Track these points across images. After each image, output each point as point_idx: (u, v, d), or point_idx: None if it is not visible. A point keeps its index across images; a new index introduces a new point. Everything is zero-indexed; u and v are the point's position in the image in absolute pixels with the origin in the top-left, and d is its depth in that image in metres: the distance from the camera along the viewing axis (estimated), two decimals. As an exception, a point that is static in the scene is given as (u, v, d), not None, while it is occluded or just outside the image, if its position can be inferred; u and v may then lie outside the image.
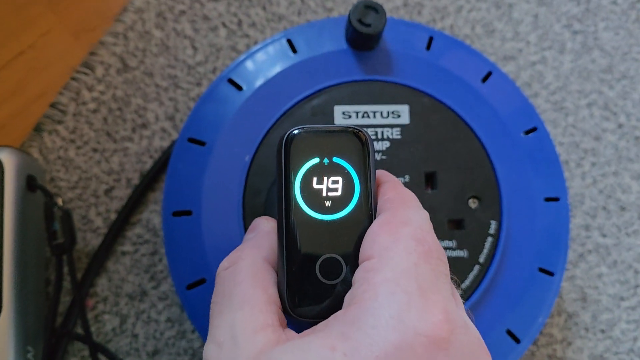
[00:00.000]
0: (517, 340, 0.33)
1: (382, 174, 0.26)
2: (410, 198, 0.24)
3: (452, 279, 0.22)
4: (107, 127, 0.41)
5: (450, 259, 0.32)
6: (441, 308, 0.19)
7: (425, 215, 0.23)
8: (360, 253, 0.22)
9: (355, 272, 0.21)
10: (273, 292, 0.23)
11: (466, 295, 0.32)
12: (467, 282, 0.32)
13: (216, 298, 0.23)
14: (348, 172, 0.23)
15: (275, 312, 0.22)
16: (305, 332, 0.21)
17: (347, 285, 0.22)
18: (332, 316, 0.20)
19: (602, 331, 0.40)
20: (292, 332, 0.21)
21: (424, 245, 0.21)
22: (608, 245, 0.42)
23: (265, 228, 0.26)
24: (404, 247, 0.21)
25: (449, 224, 0.32)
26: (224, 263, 0.24)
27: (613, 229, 0.42)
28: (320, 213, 0.23)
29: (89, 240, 0.39)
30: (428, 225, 0.22)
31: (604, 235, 0.42)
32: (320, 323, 0.21)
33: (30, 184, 0.36)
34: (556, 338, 0.40)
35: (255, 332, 0.21)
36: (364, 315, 0.19)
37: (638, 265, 0.41)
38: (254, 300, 0.22)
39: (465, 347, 0.19)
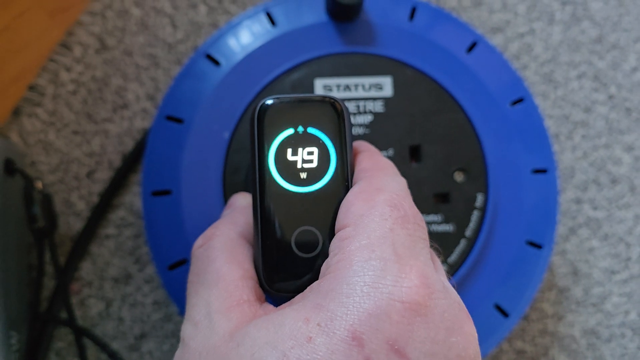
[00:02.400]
0: (506, 315, 0.32)
1: (359, 144, 0.25)
2: (386, 166, 0.23)
3: (431, 246, 0.21)
4: (87, 109, 0.40)
5: (436, 233, 0.31)
6: (418, 273, 0.19)
7: (402, 181, 0.23)
8: (335, 223, 0.21)
9: (331, 243, 0.21)
10: (249, 267, 0.22)
11: (453, 270, 0.31)
12: (453, 257, 0.31)
13: (192, 277, 0.23)
14: (323, 142, 0.23)
15: (251, 287, 0.22)
16: (282, 305, 0.20)
17: (325, 258, 0.21)
18: (308, 288, 0.20)
19: (594, 305, 0.40)
20: (270, 307, 0.21)
21: (399, 211, 0.20)
22: (599, 218, 0.41)
23: (241, 203, 0.26)
24: (379, 214, 0.20)
25: (435, 198, 0.32)
26: (199, 241, 0.24)
27: (604, 202, 0.41)
28: (296, 185, 0.22)
29: (72, 224, 0.38)
30: (405, 192, 0.22)
31: (595, 209, 0.41)
32: (297, 296, 0.20)
33: (8, 167, 0.36)
34: (547, 313, 0.40)
35: (229, 308, 0.20)
36: (339, 285, 0.18)
37: (629, 238, 0.41)
38: (229, 276, 0.22)
39: (445, 312, 0.18)
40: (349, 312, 0.18)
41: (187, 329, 0.21)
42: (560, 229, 0.41)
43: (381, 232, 0.20)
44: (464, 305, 0.20)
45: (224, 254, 0.22)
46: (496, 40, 0.43)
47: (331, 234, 0.22)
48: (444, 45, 0.34)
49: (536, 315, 0.39)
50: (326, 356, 0.17)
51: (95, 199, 0.39)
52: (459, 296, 0.20)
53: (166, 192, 0.32)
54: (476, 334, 0.19)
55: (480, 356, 0.19)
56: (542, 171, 0.34)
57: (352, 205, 0.21)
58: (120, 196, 0.39)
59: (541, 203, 0.33)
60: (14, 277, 0.36)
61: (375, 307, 0.17)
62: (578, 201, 0.41)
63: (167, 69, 0.40)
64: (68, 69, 0.40)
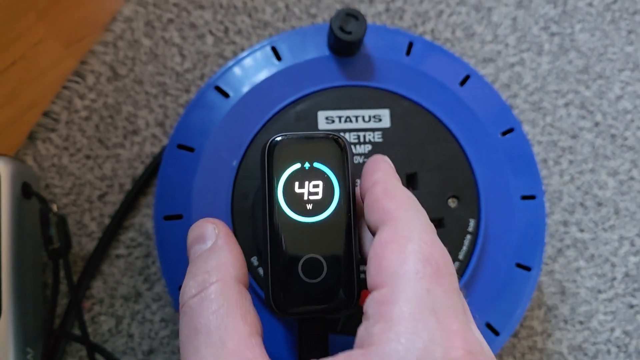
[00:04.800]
0: (497, 333, 0.34)
1: (376, 161, 0.25)
2: (409, 202, 0.23)
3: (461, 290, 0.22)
4: (99, 134, 0.42)
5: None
6: (462, 339, 0.19)
7: (424, 218, 0.22)
8: (367, 278, 0.21)
9: (366, 303, 0.21)
10: (252, 319, 0.21)
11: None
12: (447, 278, 0.33)
13: (188, 332, 0.21)
14: (328, 176, 0.25)
15: (259, 344, 0.21)
16: None
17: (328, 282, 0.23)
18: (347, 355, 0.19)
19: (581, 322, 0.42)
20: None
21: (432, 264, 0.20)
22: (585, 240, 0.43)
23: (220, 240, 0.24)
24: (413, 272, 0.20)
25: (430, 223, 0.34)
26: (190, 289, 0.22)
27: (590, 224, 0.43)
28: (302, 215, 0.24)
29: (84, 244, 0.40)
30: (430, 232, 0.22)
31: (582, 231, 0.43)
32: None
33: (25, 191, 0.38)
34: (536, 330, 0.42)
35: None
36: (389, 358, 0.18)
37: (614, 259, 0.43)
38: (236, 334, 0.20)
39: None
40: None
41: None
42: (549, 250, 0.43)
43: (420, 296, 0.19)
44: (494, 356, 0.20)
45: (224, 306, 0.21)
46: (488, 70, 0.45)
47: (334, 261, 0.24)
48: (438, 78, 0.36)
49: (526, 332, 0.41)
50: None
51: (106, 221, 0.41)
52: (488, 346, 0.20)
53: (178, 217, 0.34)
54: None
55: None
56: (531, 197, 0.36)
57: (382, 259, 0.21)
58: (130, 218, 0.41)
59: (530, 227, 0.35)
60: (30, 297, 0.37)
61: None
62: (565, 223, 0.43)
63: (175, 97, 0.43)
64: (81, 97, 0.42)
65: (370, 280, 0.21)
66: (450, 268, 0.21)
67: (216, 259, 0.23)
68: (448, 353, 0.18)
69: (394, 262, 0.20)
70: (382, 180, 0.24)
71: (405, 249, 0.20)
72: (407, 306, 0.19)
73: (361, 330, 0.20)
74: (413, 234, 0.21)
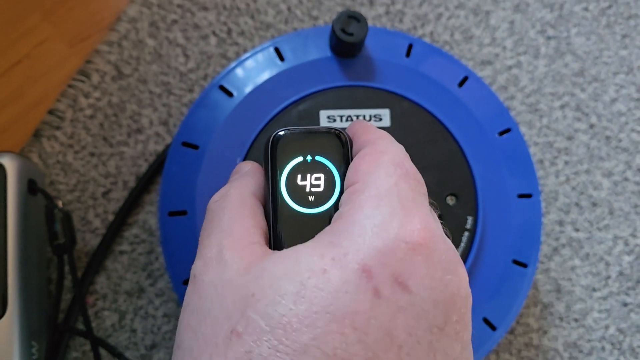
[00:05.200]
0: (494, 328, 0.35)
1: (353, 123, 0.28)
2: (385, 134, 0.26)
3: (431, 203, 0.24)
4: (104, 132, 0.42)
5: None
6: (421, 219, 0.21)
7: (400, 146, 0.25)
8: (344, 183, 0.24)
9: (341, 197, 0.23)
10: (260, 219, 0.25)
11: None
12: (445, 274, 0.34)
13: (205, 225, 0.25)
14: (329, 169, 0.25)
15: (261, 234, 0.24)
16: (292, 247, 0.22)
17: None
18: (320, 232, 0.22)
19: (576, 320, 0.43)
20: (278, 251, 0.23)
21: (402, 169, 0.23)
22: (581, 239, 0.44)
23: (249, 168, 0.28)
24: (384, 171, 0.23)
25: (429, 220, 0.34)
26: (215, 197, 0.26)
27: (585, 223, 0.44)
28: (304, 207, 0.25)
29: (88, 240, 0.41)
30: (404, 154, 0.24)
31: (577, 230, 0.44)
32: (308, 240, 0.22)
33: (31, 187, 0.38)
34: (532, 327, 0.42)
35: (243, 247, 0.22)
36: (351, 226, 0.21)
37: (608, 257, 0.44)
38: (241, 222, 0.24)
39: (443, 254, 0.21)
40: (360, 249, 0.20)
41: (198, 266, 0.23)
42: (545, 249, 0.44)
43: (387, 186, 0.22)
44: (457, 253, 0.22)
45: (238, 205, 0.24)
46: (486, 72, 0.46)
47: None
48: (437, 79, 0.37)
49: (522, 329, 0.42)
50: (339, 285, 0.19)
51: (110, 217, 0.41)
52: (454, 246, 0.23)
53: (182, 213, 0.34)
54: (467, 278, 0.22)
55: (470, 297, 0.22)
56: (527, 196, 0.37)
57: (359, 166, 0.23)
58: (134, 215, 0.42)
59: (526, 225, 0.36)
60: (35, 292, 0.38)
61: (383, 246, 0.20)
62: (561, 223, 0.44)
63: (179, 96, 0.43)
64: (86, 95, 0.43)
65: (346, 182, 0.24)
66: (420, 178, 0.24)
67: (241, 179, 0.26)
68: (405, 226, 0.21)
69: (369, 166, 0.23)
70: (365, 124, 0.27)
71: (381, 158, 0.23)
72: (375, 191, 0.22)
73: (334, 216, 0.23)
74: (389, 150, 0.24)
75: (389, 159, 0.23)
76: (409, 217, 0.21)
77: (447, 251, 0.22)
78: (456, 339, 0.21)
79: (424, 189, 0.24)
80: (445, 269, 0.21)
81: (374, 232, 0.20)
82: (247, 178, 0.27)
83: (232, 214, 0.24)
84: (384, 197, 0.22)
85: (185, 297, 0.23)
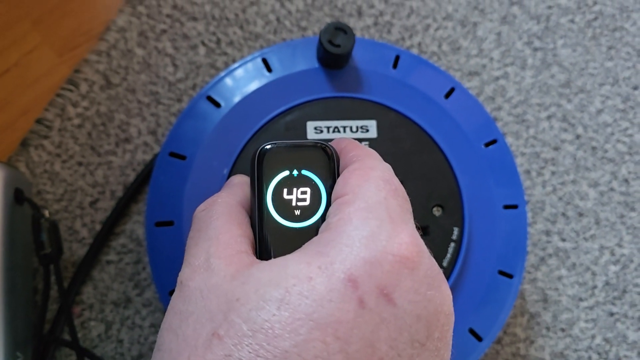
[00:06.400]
0: (480, 339, 0.35)
1: (340, 139, 0.28)
2: (373, 152, 0.26)
3: (415, 225, 0.24)
4: (92, 142, 0.42)
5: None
6: (408, 234, 0.22)
7: (388, 165, 0.25)
8: (332, 195, 0.24)
9: (329, 209, 0.24)
10: (247, 229, 0.25)
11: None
12: (431, 285, 0.34)
13: (192, 234, 0.25)
14: (315, 183, 0.25)
15: (248, 244, 0.24)
16: (279, 257, 0.23)
17: None
18: (308, 242, 0.22)
19: (562, 330, 0.43)
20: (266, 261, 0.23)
21: (391, 185, 0.23)
22: (567, 249, 0.44)
23: (239, 181, 0.28)
24: (374, 185, 0.23)
25: (415, 231, 0.35)
26: (201, 206, 0.26)
27: (572, 233, 0.45)
28: (290, 221, 0.25)
29: (75, 250, 0.41)
30: (392, 172, 0.25)
31: (564, 240, 0.44)
32: (296, 250, 0.23)
33: (17, 197, 0.38)
34: (519, 337, 0.43)
35: (230, 255, 0.22)
36: (339, 236, 0.21)
37: (595, 267, 0.44)
38: (229, 231, 0.24)
39: (428, 270, 0.21)
40: (347, 258, 0.20)
41: (185, 273, 0.23)
42: (532, 259, 0.44)
43: (377, 199, 0.22)
44: (441, 272, 0.22)
45: (225, 215, 0.25)
46: (473, 83, 0.46)
47: None
48: (424, 91, 0.37)
49: (509, 339, 0.42)
50: (324, 294, 0.19)
51: (97, 227, 0.41)
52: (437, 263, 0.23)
53: (169, 223, 0.34)
54: (451, 296, 0.22)
55: (453, 316, 0.22)
56: (513, 207, 0.37)
57: (349, 179, 0.24)
58: (121, 224, 0.41)
59: (512, 236, 0.36)
60: (21, 301, 0.38)
61: (370, 257, 0.20)
62: (548, 233, 0.44)
63: (167, 106, 0.43)
64: (74, 104, 0.43)
65: (334, 195, 0.24)
66: (407, 197, 0.24)
67: (229, 190, 0.27)
68: (392, 239, 0.21)
69: (358, 180, 0.23)
70: (352, 142, 0.27)
71: (370, 173, 0.24)
72: (364, 204, 0.22)
73: (322, 226, 0.23)
74: (378, 167, 0.24)
75: (378, 175, 0.24)
76: (397, 231, 0.21)
77: (432, 267, 0.22)
78: (437, 355, 0.21)
79: (410, 207, 0.24)
80: (429, 284, 0.21)
81: (362, 243, 0.21)
82: (234, 188, 0.27)
83: (220, 222, 0.24)
84: (373, 210, 0.22)
85: (170, 303, 0.23)
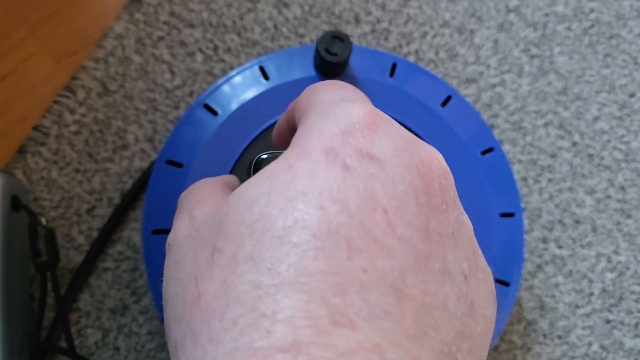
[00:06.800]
0: (476, 347, 0.35)
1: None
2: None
3: None
4: (89, 149, 0.42)
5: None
6: (367, 106, 0.21)
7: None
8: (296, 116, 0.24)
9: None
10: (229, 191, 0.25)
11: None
12: (428, 293, 0.34)
13: (176, 213, 0.25)
14: None
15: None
16: None
17: None
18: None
19: (559, 337, 0.43)
20: None
21: (337, 83, 0.24)
22: (564, 256, 0.44)
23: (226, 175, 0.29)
24: (325, 94, 0.23)
25: (412, 239, 0.35)
26: (184, 191, 0.26)
27: (568, 241, 0.45)
28: None
29: (72, 257, 0.41)
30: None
31: (560, 247, 0.45)
32: None
33: (14, 204, 0.38)
34: (516, 344, 0.43)
35: (213, 202, 0.23)
36: (306, 130, 0.21)
37: (592, 275, 0.44)
38: (212, 197, 0.24)
39: (399, 130, 0.21)
40: (318, 138, 0.20)
41: (170, 236, 0.23)
42: (528, 266, 0.44)
43: (331, 99, 0.23)
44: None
45: (207, 189, 0.25)
46: (470, 90, 0.47)
47: None
48: (421, 99, 0.37)
49: (506, 346, 0.42)
50: (308, 171, 0.19)
51: (94, 234, 0.41)
52: None
53: (166, 231, 0.34)
54: (438, 152, 0.22)
55: (450, 173, 0.21)
56: (510, 215, 0.37)
57: (300, 107, 0.24)
58: (118, 232, 0.41)
59: (508, 245, 0.36)
60: (17, 308, 0.38)
61: (339, 130, 0.20)
62: (544, 240, 0.45)
63: (165, 113, 0.43)
64: (71, 111, 0.43)
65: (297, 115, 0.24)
66: (358, 90, 0.25)
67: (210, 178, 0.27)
68: (353, 113, 0.21)
69: (308, 99, 0.24)
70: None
71: (314, 91, 0.24)
72: (320, 105, 0.22)
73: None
74: (319, 87, 0.25)
75: (323, 88, 0.24)
76: (357, 107, 0.21)
77: (403, 129, 0.22)
78: (445, 212, 0.20)
79: (364, 95, 0.25)
80: (406, 139, 0.21)
81: (328, 123, 0.20)
82: (217, 177, 0.28)
83: (202, 193, 0.24)
84: (330, 105, 0.22)
85: (164, 267, 0.23)
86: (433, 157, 0.21)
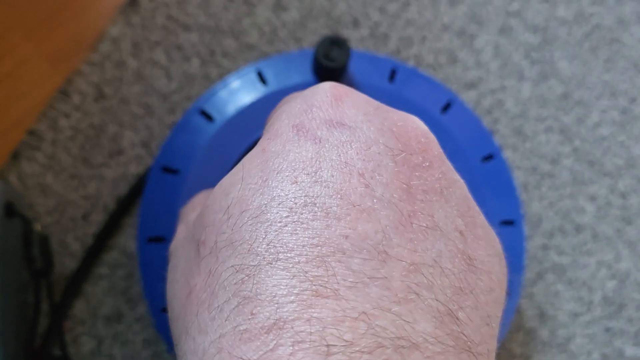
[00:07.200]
0: (476, 357, 0.34)
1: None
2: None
3: None
4: (84, 154, 0.42)
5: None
6: (324, 85, 0.22)
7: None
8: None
9: None
10: None
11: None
12: (427, 302, 0.34)
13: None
14: None
15: None
16: None
17: None
18: None
19: (559, 345, 0.43)
20: None
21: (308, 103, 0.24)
22: (564, 264, 0.44)
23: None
24: (290, 105, 0.24)
25: (411, 247, 0.34)
26: (185, 208, 0.27)
27: (568, 248, 0.44)
28: None
29: (67, 263, 0.40)
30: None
31: (560, 255, 0.44)
32: None
33: (8, 210, 0.37)
34: (516, 353, 0.42)
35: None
36: (272, 124, 0.21)
37: (592, 282, 0.44)
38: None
39: (366, 99, 0.21)
40: (288, 119, 0.20)
41: (172, 245, 0.23)
42: (528, 274, 0.43)
43: (297, 108, 0.22)
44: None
45: (203, 194, 0.25)
46: (470, 95, 0.46)
47: None
48: (421, 105, 0.37)
49: (505, 355, 0.42)
50: (280, 151, 0.19)
51: (89, 240, 0.41)
52: None
53: (161, 239, 0.34)
54: (416, 117, 0.22)
55: (431, 134, 0.22)
56: (510, 222, 0.36)
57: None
58: (114, 238, 0.41)
59: (508, 252, 0.36)
60: (11, 316, 0.37)
61: (305, 107, 0.20)
62: (545, 247, 0.44)
63: (161, 118, 0.43)
64: (67, 116, 0.42)
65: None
66: None
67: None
68: (315, 95, 0.21)
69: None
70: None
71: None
72: (287, 107, 0.22)
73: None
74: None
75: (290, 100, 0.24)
76: (321, 85, 0.22)
77: (373, 100, 0.22)
78: (429, 168, 0.20)
79: None
80: (377, 107, 0.21)
81: (297, 103, 0.21)
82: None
83: (198, 201, 0.25)
84: (296, 94, 0.23)
85: (167, 274, 0.23)
86: (408, 119, 0.21)
